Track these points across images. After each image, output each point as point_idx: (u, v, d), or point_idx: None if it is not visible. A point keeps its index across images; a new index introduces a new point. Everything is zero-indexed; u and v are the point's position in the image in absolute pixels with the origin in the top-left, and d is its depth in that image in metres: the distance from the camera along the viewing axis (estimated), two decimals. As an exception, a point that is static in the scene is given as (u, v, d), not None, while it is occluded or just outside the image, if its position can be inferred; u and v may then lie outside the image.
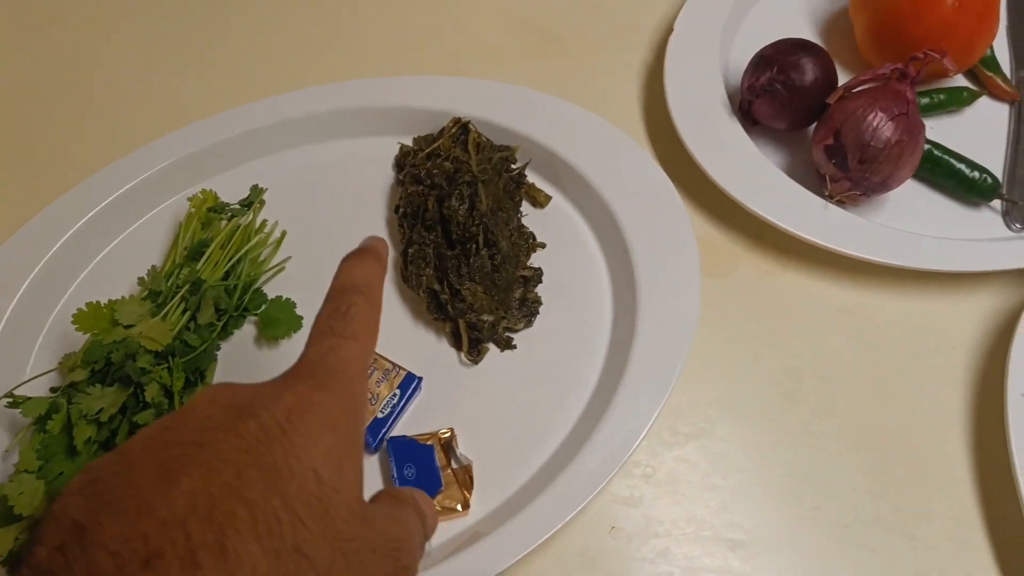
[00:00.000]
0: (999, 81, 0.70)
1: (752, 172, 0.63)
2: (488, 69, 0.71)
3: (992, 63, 0.70)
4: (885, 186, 0.61)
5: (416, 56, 0.72)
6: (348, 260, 0.37)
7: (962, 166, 0.64)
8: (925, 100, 0.68)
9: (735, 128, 0.65)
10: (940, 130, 0.69)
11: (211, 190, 0.60)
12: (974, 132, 0.69)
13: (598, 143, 0.63)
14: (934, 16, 0.64)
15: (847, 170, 0.60)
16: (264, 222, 0.60)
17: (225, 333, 0.56)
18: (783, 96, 0.63)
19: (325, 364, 0.31)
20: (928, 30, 0.64)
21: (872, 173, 0.60)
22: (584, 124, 0.64)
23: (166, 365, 0.51)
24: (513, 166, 0.63)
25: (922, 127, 0.60)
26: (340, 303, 0.34)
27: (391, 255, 0.60)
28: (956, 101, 0.68)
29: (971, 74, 0.71)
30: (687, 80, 0.67)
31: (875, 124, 0.59)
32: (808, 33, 0.73)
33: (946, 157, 0.64)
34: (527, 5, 0.75)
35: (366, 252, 0.38)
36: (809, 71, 0.62)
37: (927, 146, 0.65)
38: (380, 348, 0.56)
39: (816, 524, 0.53)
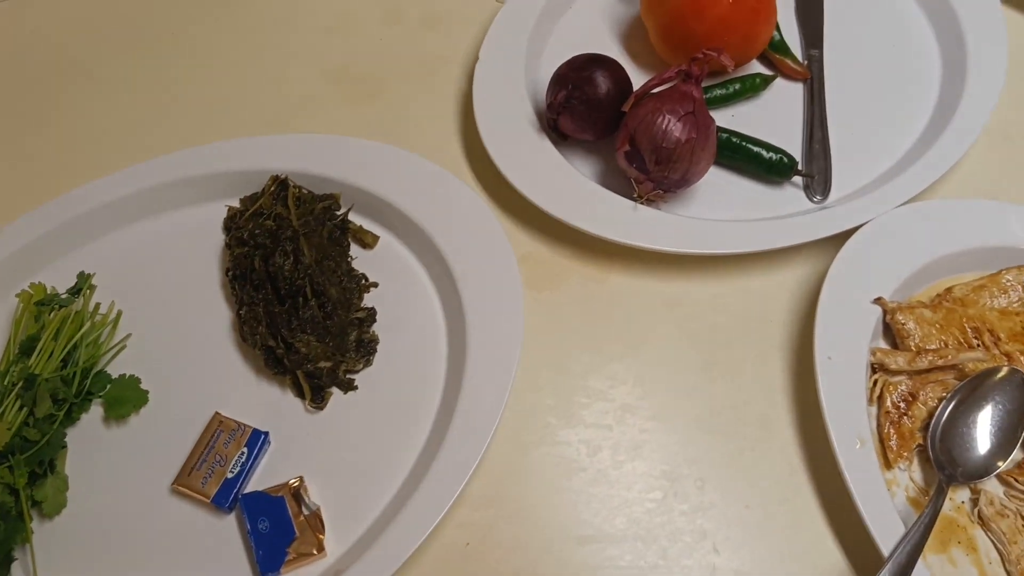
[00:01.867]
0: (790, 63, 0.74)
1: (564, 185, 0.66)
2: (312, 120, 0.73)
3: (782, 46, 0.75)
4: (685, 181, 0.65)
5: (239, 117, 0.74)
6: None
7: (760, 150, 0.68)
8: (721, 91, 0.72)
9: (545, 145, 0.68)
10: (741, 117, 0.73)
11: (40, 283, 0.61)
12: (774, 114, 0.74)
13: (415, 179, 0.66)
14: (714, 14, 0.68)
15: (647, 172, 0.64)
16: (98, 305, 0.62)
17: (70, 420, 0.58)
18: (582, 110, 0.66)
19: None
20: (710, 27, 0.69)
21: (670, 171, 0.64)
22: (400, 162, 0.67)
23: (7, 464, 0.52)
24: (338, 212, 0.66)
25: (711, 121, 0.64)
26: None
27: (229, 316, 0.62)
28: (751, 88, 0.73)
29: (765, 59, 0.76)
30: (496, 104, 0.70)
31: (665, 126, 0.63)
32: (610, 41, 0.77)
33: (744, 143, 0.69)
34: (344, 51, 0.77)
35: None
36: (602, 84, 0.66)
37: (726, 135, 0.69)
38: (225, 408, 0.58)
39: (663, 502, 0.56)
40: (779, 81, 0.75)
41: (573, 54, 0.71)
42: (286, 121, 0.73)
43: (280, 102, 0.74)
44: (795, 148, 0.71)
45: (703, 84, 0.66)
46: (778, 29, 0.75)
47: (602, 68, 0.67)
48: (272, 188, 0.65)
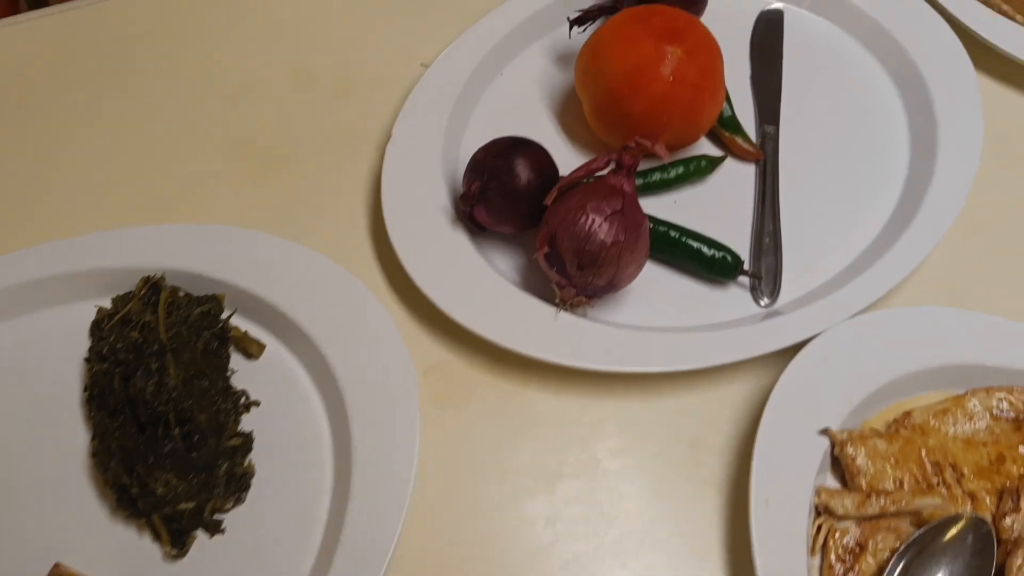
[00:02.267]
0: (740, 142, 0.67)
1: (477, 287, 0.59)
2: (205, 203, 0.65)
3: (732, 123, 0.67)
4: (612, 287, 0.57)
5: (123, 201, 0.65)
6: None
7: (701, 246, 0.61)
8: (661, 176, 0.65)
9: (459, 239, 0.61)
10: (685, 202, 0.66)
11: None
12: (722, 198, 0.66)
13: (308, 278, 0.58)
14: (651, 93, 0.61)
15: (568, 277, 0.56)
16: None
17: None
18: (499, 202, 0.59)
19: None
20: (648, 107, 0.61)
21: (594, 277, 0.56)
22: (291, 258, 0.59)
23: None
24: (223, 316, 0.58)
25: (642, 219, 0.57)
26: None
27: (86, 441, 0.55)
28: (696, 171, 0.65)
29: (715, 135, 0.68)
30: (408, 189, 0.62)
31: (588, 227, 0.55)
32: (544, 114, 0.69)
33: (683, 239, 0.61)
34: (246, 123, 0.69)
35: None
36: (523, 173, 0.59)
37: (664, 228, 0.62)
38: (70, 556, 0.51)
39: None
40: (729, 161, 0.67)
41: (501, 127, 0.65)
42: (174, 206, 0.65)
43: (170, 183, 0.66)
44: (745, 238, 0.64)
45: (642, 166, 0.59)
46: (729, 104, 0.67)
47: (524, 154, 0.59)
48: (142, 291, 0.57)
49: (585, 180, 0.58)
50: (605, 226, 0.55)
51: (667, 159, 0.57)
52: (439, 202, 0.62)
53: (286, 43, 0.72)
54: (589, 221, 0.55)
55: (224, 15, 0.74)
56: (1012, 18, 0.74)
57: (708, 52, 0.62)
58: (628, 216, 0.56)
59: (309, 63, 0.71)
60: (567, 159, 0.66)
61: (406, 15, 0.74)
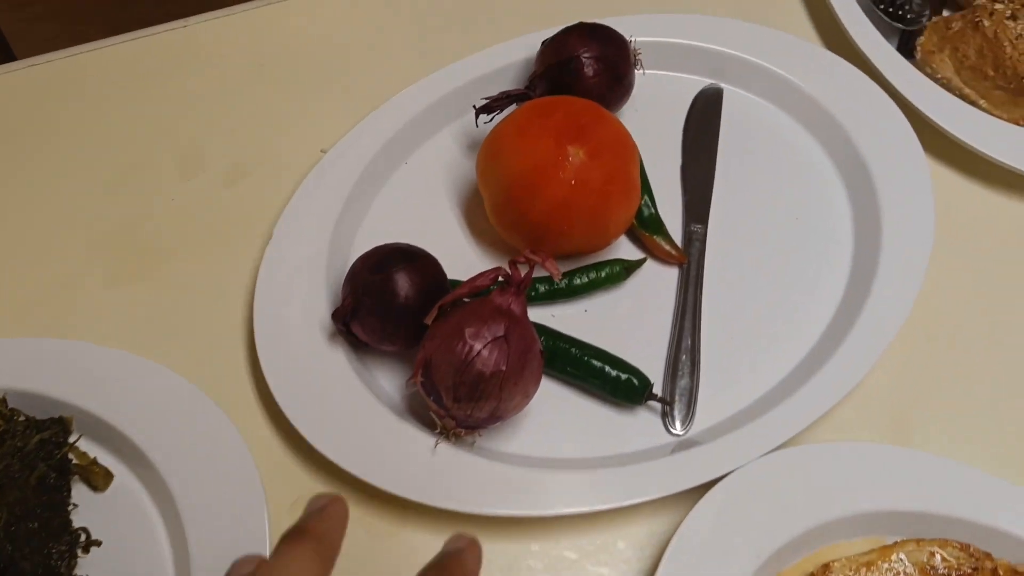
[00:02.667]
0: (662, 243, 0.61)
1: (349, 414, 0.53)
2: (62, 311, 0.59)
3: (654, 223, 0.61)
4: (496, 418, 0.51)
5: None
6: (285, 546, 0.28)
7: (606, 366, 0.55)
8: (567, 282, 0.59)
9: (337, 358, 0.55)
10: (597, 311, 0.60)
11: None
12: (640, 306, 0.60)
13: (167, 405, 0.53)
14: (550, 198, 0.55)
15: (446, 409, 0.50)
16: None
17: None
18: (372, 321, 0.53)
19: None
20: (547, 213, 0.55)
21: (474, 410, 0.50)
22: (151, 381, 0.54)
23: None
24: (67, 442, 0.52)
25: (531, 343, 0.51)
26: None
27: None
28: (610, 278, 0.59)
29: (635, 235, 0.62)
30: (286, 299, 0.57)
31: (464, 355, 0.49)
32: (448, 209, 0.63)
33: (587, 357, 0.55)
34: (123, 215, 0.63)
35: (306, 539, 0.29)
36: (400, 289, 0.53)
37: (566, 344, 0.56)
38: None
39: None
40: (650, 264, 0.61)
41: (401, 223, 0.61)
42: (26, 314, 0.59)
43: (26, 286, 0.60)
44: (663, 353, 0.58)
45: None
46: (651, 201, 0.61)
47: (405, 267, 0.53)
48: (-28, 418, 0.52)
49: (467, 299, 0.52)
50: (485, 353, 0.49)
51: (558, 278, 0.51)
52: (319, 314, 0.56)
53: (177, 124, 0.67)
54: (466, 348, 0.49)
55: (112, 92, 0.68)
56: (975, 103, 0.67)
57: (617, 151, 0.56)
58: (513, 342, 0.50)
59: (200, 146, 0.66)
60: (470, 262, 0.61)
61: (311, 97, 0.68)
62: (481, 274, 0.52)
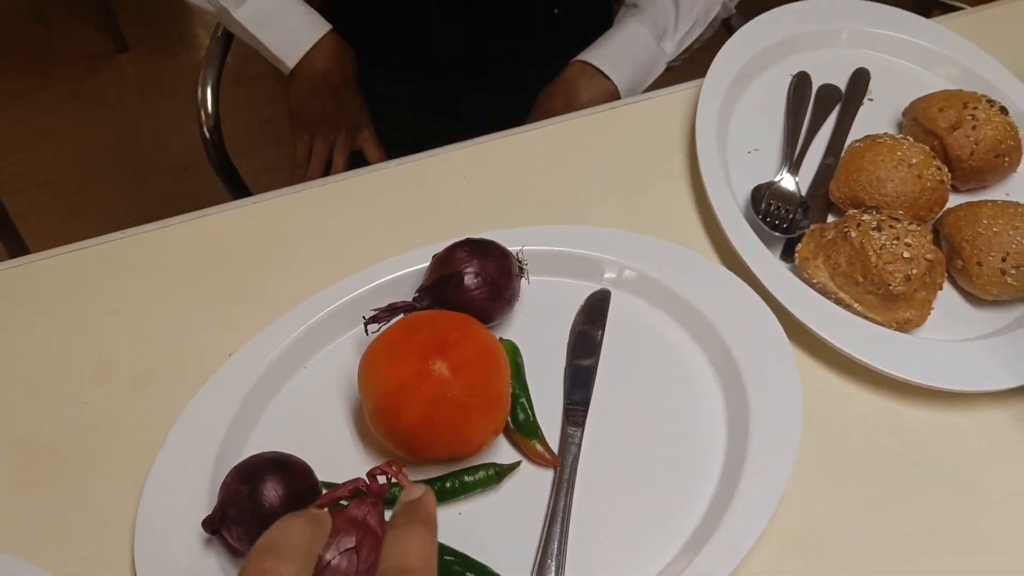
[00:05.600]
0: (537, 447, 0.64)
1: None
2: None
3: (529, 427, 0.64)
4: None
5: None
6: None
7: (468, 573, 0.57)
8: (439, 486, 0.61)
9: (209, 564, 0.57)
10: (473, 514, 0.62)
11: None
12: (513, 509, 0.62)
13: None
14: (411, 413, 0.58)
15: (299, 621, 0.52)
16: None
17: None
18: (239, 531, 0.56)
19: None
20: (410, 426, 0.59)
21: (325, 623, 0.52)
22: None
23: None
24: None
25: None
26: None
27: None
28: (484, 482, 0.62)
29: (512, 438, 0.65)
30: (171, 504, 0.60)
31: (316, 567, 0.51)
32: (340, 414, 0.66)
33: (455, 566, 0.57)
34: (35, 421, 0.66)
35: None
36: (267, 499, 0.56)
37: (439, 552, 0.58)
38: None
39: None
40: (526, 467, 0.64)
41: (293, 427, 0.65)
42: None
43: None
44: (532, 555, 0.60)
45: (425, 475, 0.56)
46: (528, 406, 0.65)
47: (275, 477, 0.56)
48: None
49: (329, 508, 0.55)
50: (334, 563, 0.51)
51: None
52: (199, 520, 0.59)
53: (101, 329, 0.72)
54: (321, 562, 0.51)
55: (46, 298, 0.74)
56: (850, 306, 0.71)
57: (483, 365, 0.60)
58: (364, 554, 0.52)
59: (114, 352, 0.70)
60: (356, 467, 0.64)
61: (227, 302, 0.73)
62: (341, 485, 0.55)
